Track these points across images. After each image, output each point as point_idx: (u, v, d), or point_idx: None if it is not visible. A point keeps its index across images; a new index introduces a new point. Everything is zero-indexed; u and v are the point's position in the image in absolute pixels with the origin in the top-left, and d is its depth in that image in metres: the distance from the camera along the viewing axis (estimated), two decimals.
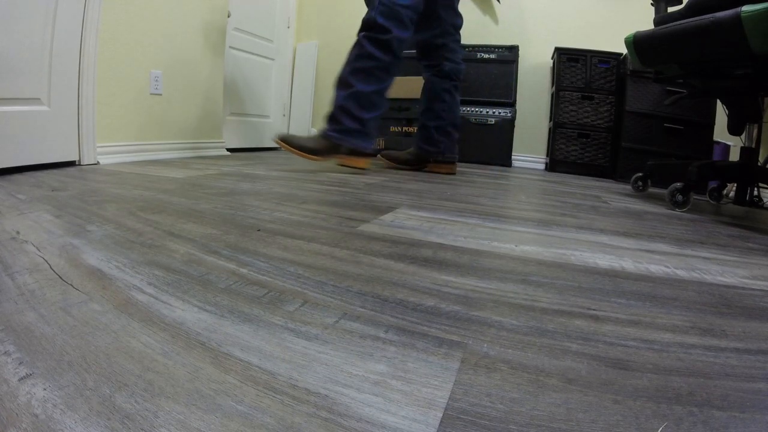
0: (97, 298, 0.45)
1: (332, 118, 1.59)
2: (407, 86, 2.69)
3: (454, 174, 1.97)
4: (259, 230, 0.75)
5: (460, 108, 2.03)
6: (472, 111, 2.71)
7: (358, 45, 1.56)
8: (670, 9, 1.45)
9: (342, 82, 1.57)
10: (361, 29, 1.57)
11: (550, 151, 2.60)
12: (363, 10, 3.07)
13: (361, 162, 1.70)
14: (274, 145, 2.55)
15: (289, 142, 1.59)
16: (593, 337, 0.42)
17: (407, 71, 2.69)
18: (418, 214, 0.98)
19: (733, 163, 1.53)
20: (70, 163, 1.51)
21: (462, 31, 2.94)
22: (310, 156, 1.59)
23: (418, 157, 1.98)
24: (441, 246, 0.72)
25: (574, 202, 1.34)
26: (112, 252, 0.60)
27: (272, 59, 2.91)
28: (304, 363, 0.35)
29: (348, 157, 1.67)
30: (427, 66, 1.89)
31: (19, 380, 0.30)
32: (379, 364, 0.35)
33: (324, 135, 1.60)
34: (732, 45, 1.09)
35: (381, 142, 2.81)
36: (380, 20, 1.52)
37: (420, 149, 1.96)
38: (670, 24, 1.27)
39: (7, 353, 0.34)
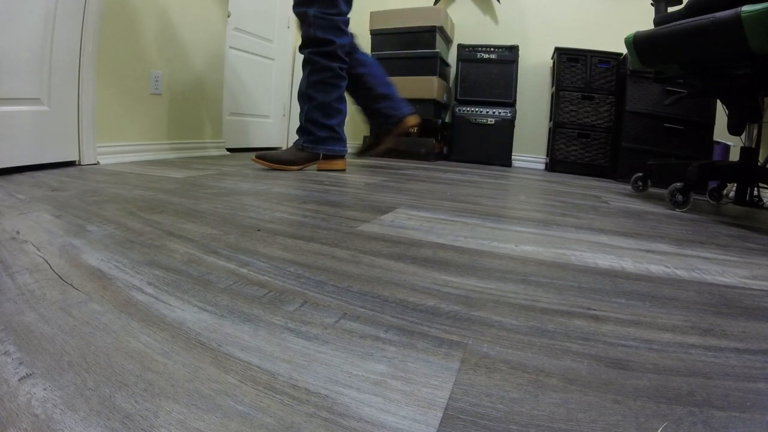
0: (97, 298, 0.45)
1: (304, 130, 1.72)
2: (407, 86, 2.69)
3: (419, 122, 1.98)
4: (259, 230, 0.75)
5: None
6: (472, 111, 2.71)
7: (309, 61, 1.66)
8: (670, 9, 1.45)
9: (304, 97, 1.70)
10: (305, 46, 1.65)
11: (550, 151, 2.60)
12: (363, 8, 3.06)
13: (339, 164, 1.80)
14: (275, 144, 2.56)
15: (267, 158, 1.70)
16: (593, 337, 0.42)
17: (407, 71, 2.70)
18: (418, 214, 0.98)
19: (733, 163, 1.53)
20: (70, 163, 1.51)
21: (462, 31, 2.97)
22: (290, 167, 1.70)
23: (377, 134, 2.00)
24: (441, 246, 0.72)
25: (574, 202, 1.34)
26: (112, 252, 0.60)
27: (272, 59, 2.91)
28: (304, 363, 0.35)
29: (326, 162, 1.77)
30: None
31: (19, 380, 0.30)
32: (379, 364, 0.35)
33: (300, 146, 1.72)
34: (732, 45, 1.09)
35: None
36: (320, 34, 1.61)
37: (374, 126, 1.99)
38: (670, 24, 1.27)
39: (7, 353, 0.34)
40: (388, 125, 1.94)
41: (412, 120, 1.96)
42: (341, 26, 1.66)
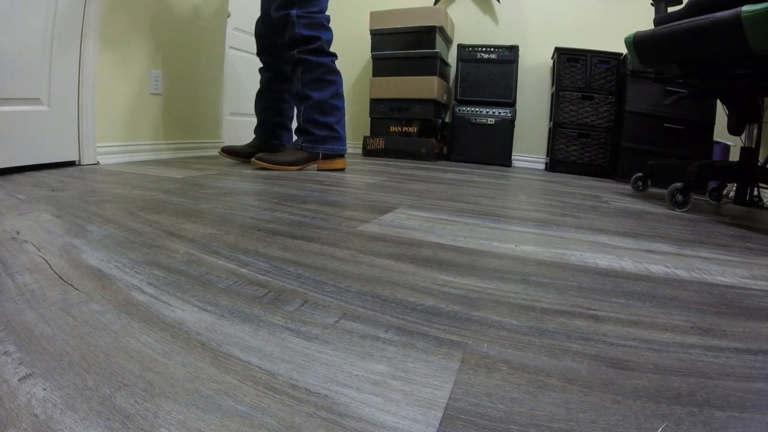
0: (97, 298, 0.45)
1: (302, 131, 1.74)
2: (407, 86, 2.69)
3: None
4: (259, 230, 0.75)
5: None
6: (472, 111, 2.71)
7: (299, 61, 1.68)
8: (670, 9, 1.45)
9: (300, 97, 1.71)
10: (292, 47, 1.67)
11: (550, 151, 2.60)
12: (363, 8, 3.06)
13: (339, 163, 1.81)
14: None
15: (266, 160, 1.71)
16: (593, 337, 0.42)
17: (406, 71, 2.70)
18: (418, 214, 0.98)
19: (733, 163, 1.53)
20: (70, 163, 1.51)
21: (462, 31, 2.97)
22: (289, 168, 1.71)
23: (260, 149, 2.01)
24: (441, 246, 0.72)
25: (574, 202, 1.34)
26: (112, 252, 0.60)
27: None
28: (304, 363, 0.35)
29: (325, 161, 1.78)
30: (267, 63, 1.94)
31: (19, 380, 0.30)
32: (379, 364, 0.35)
33: (299, 146, 1.73)
34: (732, 45, 1.09)
35: (381, 142, 2.82)
36: (305, 32, 1.64)
37: (263, 142, 2.02)
38: (670, 24, 1.27)
39: (7, 353, 0.34)
40: (273, 149, 1.99)
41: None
42: (324, 23, 1.69)
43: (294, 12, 1.62)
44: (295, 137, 1.80)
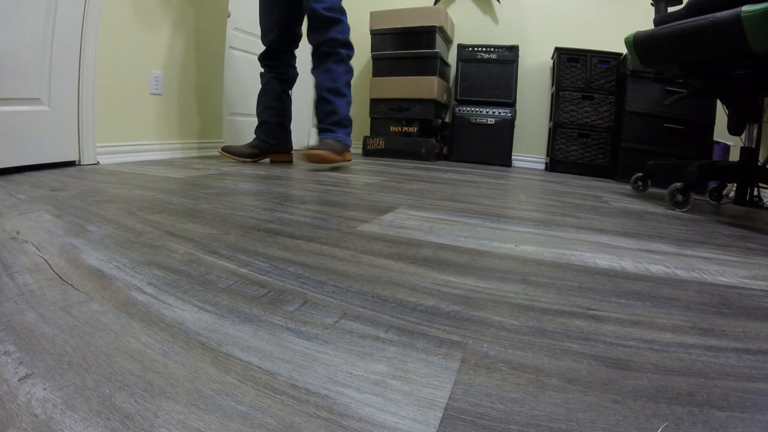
0: (97, 298, 0.45)
1: (342, 125, 1.88)
2: (407, 86, 2.69)
3: (291, 162, 2.14)
4: (259, 230, 0.75)
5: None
6: (472, 111, 2.71)
7: (344, 61, 1.86)
8: (670, 9, 1.45)
9: (339, 93, 1.85)
10: (343, 47, 1.83)
11: (550, 151, 2.60)
12: (363, 8, 3.06)
13: (349, 155, 1.95)
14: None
15: (324, 156, 1.81)
16: (593, 337, 0.42)
17: (406, 71, 2.70)
18: (418, 214, 0.98)
19: (733, 163, 1.53)
20: (70, 163, 1.51)
21: (462, 31, 2.97)
22: (344, 158, 1.88)
23: (261, 149, 2.08)
24: (441, 246, 0.72)
25: (574, 202, 1.34)
26: (112, 252, 0.60)
27: None
28: (304, 363, 0.35)
29: (348, 153, 1.93)
30: (270, 67, 2.02)
31: (19, 380, 0.30)
32: (379, 364, 0.35)
33: (342, 141, 1.87)
34: (732, 45, 1.09)
35: (381, 142, 2.82)
36: (350, 42, 1.86)
37: (263, 142, 2.07)
38: (670, 24, 1.27)
39: (7, 353, 0.34)
40: (274, 149, 2.08)
41: (291, 157, 2.19)
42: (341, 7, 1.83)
43: (345, 20, 1.81)
44: (325, 129, 1.87)
